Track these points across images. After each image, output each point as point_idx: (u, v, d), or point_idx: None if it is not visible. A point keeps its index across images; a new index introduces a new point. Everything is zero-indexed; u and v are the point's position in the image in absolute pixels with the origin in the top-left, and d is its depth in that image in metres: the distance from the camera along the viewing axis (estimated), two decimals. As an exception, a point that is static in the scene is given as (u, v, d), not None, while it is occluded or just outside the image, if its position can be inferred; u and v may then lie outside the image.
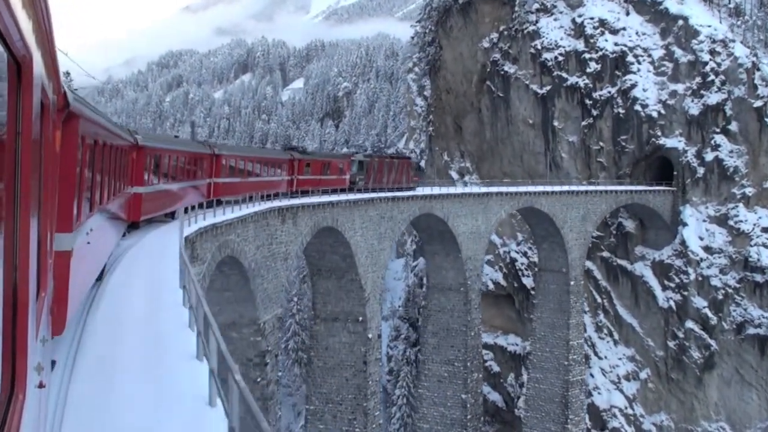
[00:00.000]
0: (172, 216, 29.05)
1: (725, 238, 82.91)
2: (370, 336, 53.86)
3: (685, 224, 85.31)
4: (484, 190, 70.13)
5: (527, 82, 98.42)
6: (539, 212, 75.86)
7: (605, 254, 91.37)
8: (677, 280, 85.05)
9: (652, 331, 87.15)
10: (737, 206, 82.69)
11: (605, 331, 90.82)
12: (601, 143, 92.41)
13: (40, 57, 4.51)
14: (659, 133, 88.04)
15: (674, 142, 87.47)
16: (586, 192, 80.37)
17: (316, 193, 49.95)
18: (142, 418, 7.30)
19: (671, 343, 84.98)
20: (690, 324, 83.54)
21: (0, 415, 3.26)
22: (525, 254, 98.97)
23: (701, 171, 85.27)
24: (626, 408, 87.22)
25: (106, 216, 14.96)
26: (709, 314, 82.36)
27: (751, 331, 79.77)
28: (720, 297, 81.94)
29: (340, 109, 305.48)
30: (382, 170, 62.37)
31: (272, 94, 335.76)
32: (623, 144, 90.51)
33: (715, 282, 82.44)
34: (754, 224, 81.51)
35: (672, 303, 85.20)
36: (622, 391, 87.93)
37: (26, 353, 4.02)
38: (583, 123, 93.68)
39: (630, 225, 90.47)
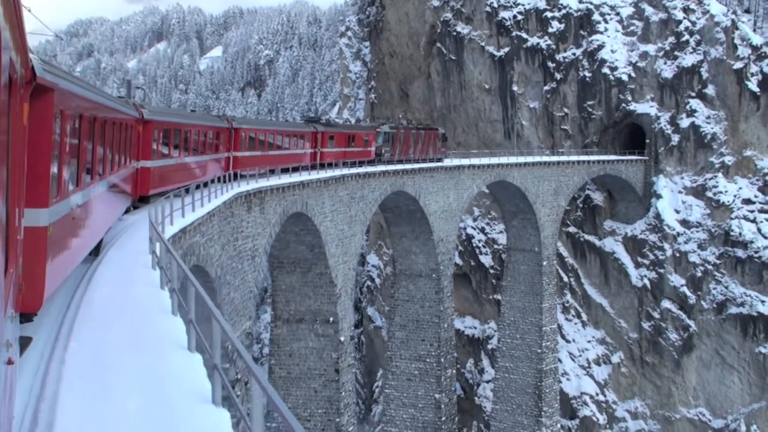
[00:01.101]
0: (187, 191, 26.97)
1: (703, 211, 77.04)
2: (342, 339, 45.35)
3: (659, 196, 79.09)
4: (455, 163, 62.01)
5: (483, 44, 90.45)
6: (510, 186, 68.31)
7: (571, 229, 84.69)
8: (652, 257, 78.95)
9: (625, 311, 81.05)
10: (716, 176, 76.81)
11: (572, 312, 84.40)
12: (565, 109, 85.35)
13: (8, 33, 4.69)
14: (629, 98, 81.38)
15: (646, 107, 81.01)
16: (558, 163, 73.17)
17: (339, 166, 48.39)
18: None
19: (646, 325, 79.03)
20: (666, 304, 77.66)
21: None
22: (483, 230, 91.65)
23: (675, 139, 79.04)
24: (597, 395, 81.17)
25: (101, 191, 14.83)
26: (688, 293, 76.57)
27: (733, 310, 74.32)
28: (699, 274, 76.17)
29: (261, 77, 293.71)
30: (409, 141, 60.71)
31: (189, 63, 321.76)
32: (590, 110, 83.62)
33: (693, 258, 76.59)
34: (735, 195, 75.80)
35: (647, 281, 79.14)
36: (592, 377, 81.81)
37: None
38: (546, 88, 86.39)
39: (598, 198, 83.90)
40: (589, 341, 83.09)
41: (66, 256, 10.97)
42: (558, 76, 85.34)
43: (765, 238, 73.53)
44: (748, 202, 75.36)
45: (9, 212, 5.30)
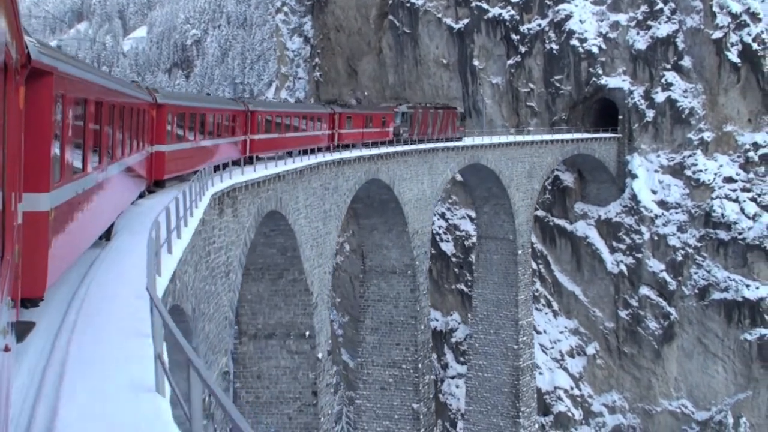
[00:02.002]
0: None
1: (682, 191, 72.39)
2: (320, 356, 38.60)
3: (634, 176, 74.15)
4: (430, 145, 55.59)
5: (439, 16, 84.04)
6: (483, 170, 62.32)
7: (540, 213, 79.20)
8: (628, 241, 74.07)
9: (599, 299, 76.11)
10: (695, 154, 72.16)
11: (543, 301, 79.15)
12: (531, 85, 79.68)
13: (4, 18, 4.65)
14: (600, 72, 76.09)
15: (618, 81, 75.83)
16: (532, 143, 67.45)
17: (358, 147, 48.37)
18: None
19: (623, 313, 74.23)
20: (645, 290, 72.94)
21: None
22: (443, 216, 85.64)
23: (650, 114, 74.09)
24: (572, 389, 76.28)
25: (111, 175, 14.75)
26: (667, 278, 71.96)
27: (716, 295, 69.98)
28: (679, 258, 71.59)
29: (189, 58, 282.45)
30: (427, 121, 60.45)
31: (112, 44, 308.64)
32: (558, 85, 78.08)
33: (672, 241, 71.95)
34: (715, 174, 71.29)
35: (623, 267, 74.27)
36: (566, 370, 76.85)
37: None
38: (509, 62, 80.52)
39: (568, 179, 78.60)
40: (561, 332, 78.04)
41: (71, 241, 11.00)
42: (522, 49, 79.54)
43: (749, 218, 69.26)
44: (729, 180, 70.94)
45: (5, 197, 5.33)
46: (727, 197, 70.44)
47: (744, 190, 70.28)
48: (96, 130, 13.03)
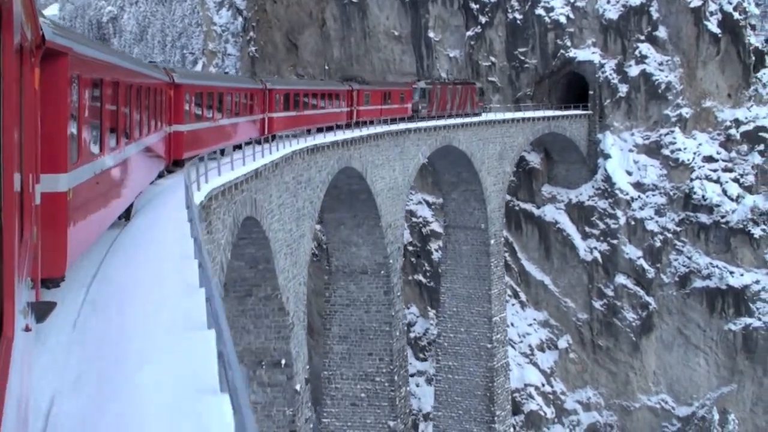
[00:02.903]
0: (222, 152, 27.48)
1: (659, 172, 67.38)
2: (297, 387, 31.54)
3: (607, 156, 68.81)
4: (402, 126, 48.76)
5: (390, -17, 76.93)
6: (453, 152, 55.93)
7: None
8: (602, 226, 68.81)
9: (571, 289, 70.81)
10: (672, 131, 67.14)
11: (509, 292, 73.37)
12: (492, 58, 73.46)
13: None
14: (568, 44, 70.35)
15: (587, 54, 70.21)
16: (503, 121, 61.26)
17: (376, 123, 47.92)
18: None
19: (597, 303, 69.08)
20: (621, 279, 67.90)
21: None
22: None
23: (623, 89, 68.73)
24: (543, 385, 70.94)
25: (129, 155, 14.77)
26: (645, 266, 67.03)
27: (698, 283, 65.39)
28: (657, 244, 66.68)
29: (105, 36, 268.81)
30: (446, 97, 59.76)
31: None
32: (522, 59, 72.06)
33: (650, 226, 66.98)
34: (695, 153, 66.46)
35: (597, 254, 69.05)
36: (536, 365, 71.44)
37: (13, 296, 4.06)
38: (469, 33, 74.08)
39: (534, 159, 72.81)
40: (530, 324, 72.52)
41: (91, 221, 11.09)
42: (482, 19, 73.17)
43: (731, 200, 64.70)
44: (709, 159, 66.21)
45: (22, 179, 5.34)
46: (708, 178, 65.72)
47: (725, 170, 65.66)
48: (113, 110, 13.06)
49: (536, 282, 72.66)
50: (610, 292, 68.31)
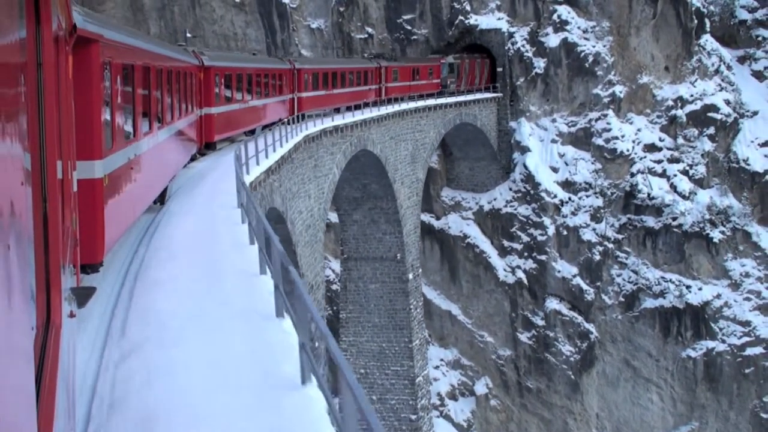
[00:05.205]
0: (252, 132, 27.93)
1: (592, 166, 53.94)
2: None
3: (525, 149, 54.40)
4: (313, 130, 31.34)
5: (225, -68, 58.09)
6: (363, 158, 39.11)
7: (394, 207, 57.07)
8: (526, 239, 54.42)
9: (488, 320, 56.03)
10: (605, 115, 53.86)
11: (406, 327, 57.37)
12: (368, 29, 56.85)
13: None
14: (467, 8, 55.11)
15: (492, 20, 55.47)
16: (415, 111, 45.09)
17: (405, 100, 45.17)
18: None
19: (524, 336, 54.78)
20: (553, 303, 53.98)
21: (39, 342, 3.17)
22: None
23: (540, 64, 54.61)
24: (460, 443, 55.84)
25: (162, 139, 14.87)
26: (583, 285, 53.53)
27: (648, 303, 52.85)
28: (596, 257, 53.38)
29: None
30: (474, 71, 55.25)
31: None
32: (408, 28, 56.07)
33: (586, 235, 53.51)
34: (634, 141, 53.58)
35: (521, 274, 54.60)
36: (449, 419, 56.09)
37: (60, 284, 4.10)
38: (336, -3, 56.93)
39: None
40: (436, 367, 56.94)
41: (126, 206, 11.29)
42: (353, -23, 56.23)
43: (683, 198, 52.40)
44: (652, 148, 53.61)
45: (63, 166, 5.33)
46: (652, 171, 53.11)
47: (672, 160, 53.31)
48: (144, 95, 13.13)
49: (440, 312, 57.18)
50: (539, 321, 54.13)
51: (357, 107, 40.08)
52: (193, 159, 22.81)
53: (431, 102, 47.42)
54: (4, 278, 2.07)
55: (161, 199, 16.33)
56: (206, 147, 24.64)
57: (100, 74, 9.64)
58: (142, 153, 12.45)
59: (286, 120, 28.96)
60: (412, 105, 44.87)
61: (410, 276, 44.58)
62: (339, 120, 34.44)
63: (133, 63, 11.91)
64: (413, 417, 45.11)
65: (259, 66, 30.79)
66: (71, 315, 5.07)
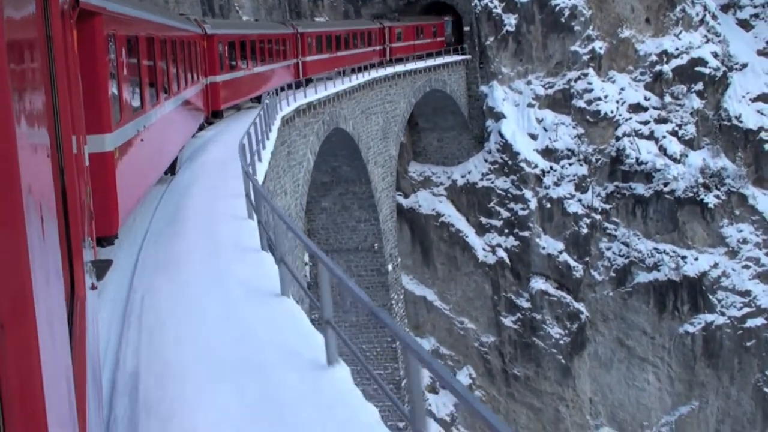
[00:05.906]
0: (258, 100, 27.41)
1: (574, 131, 49.23)
2: None
3: (499, 116, 49.39)
4: (285, 112, 25.84)
5: None
6: (335, 137, 33.61)
7: (357, 187, 51.60)
8: (506, 214, 49.61)
9: (468, 304, 51.27)
10: (585, 74, 49.11)
11: (378, 317, 52.36)
12: (318, -11, 50.79)
13: None
14: (428, -39, 49.52)
15: (455, -27, 49.94)
16: (385, 78, 39.63)
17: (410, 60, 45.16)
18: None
19: (508, 320, 50.22)
20: (539, 283, 49.46)
21: (65, 314, 3.14)
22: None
23: (511, 20, 49.43)
24: (444, 438, 51.33)
25: (170, 110, 14.83)
26: (570, 261, 49.11)
27: (641, 277, 48.79)
28: (583, 230, 48.93)
29: None
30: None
31: None
32: (362, -15, 50.32)
33: (571, 207, 48.99)
34: (617, 101, 49.03)
35: (502, 253, 49.85)
36: (430, 414, 51.37)
37: (81, 256, 4.12)
38: (279, -47, 50.55)
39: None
40: (413, 359, 52.06)
41: (138, 178, 11.33)
42: (298, -69, 50.05)
43: (674, 161, 48.17)
44: (637, 108, 49.19)
45: (77, 140, 5.28)
46: (639, 133, 48.70)
47: (660, 120, 48.99)
48: (150, 66, 13.03)
49: (414, 299, 52.15)
50: (524, 303, 49.59)
51: (365, 68, 38.96)
52: (201, 128, 22.80)
53: (400, 68, 41.92)
54: (42, 250, 2.06)
55: (172, 169, 16.32)
56: (213, 116, 24.65)
57: (105, 47, 9.72)
58: (150, 124, 12.43)
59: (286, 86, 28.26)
60: (382, 73, 39.38)
61: (389, 267, 39.40)
62: (312, 95, 28.81)
63: (137, 34, 11.90)
64: (400, 425, 40.21)
65: (261, 32, 30.53)
66: (93, 287, 5.09)
